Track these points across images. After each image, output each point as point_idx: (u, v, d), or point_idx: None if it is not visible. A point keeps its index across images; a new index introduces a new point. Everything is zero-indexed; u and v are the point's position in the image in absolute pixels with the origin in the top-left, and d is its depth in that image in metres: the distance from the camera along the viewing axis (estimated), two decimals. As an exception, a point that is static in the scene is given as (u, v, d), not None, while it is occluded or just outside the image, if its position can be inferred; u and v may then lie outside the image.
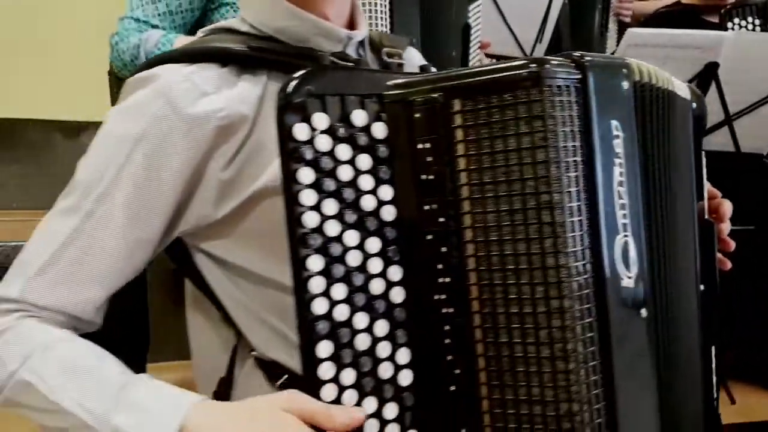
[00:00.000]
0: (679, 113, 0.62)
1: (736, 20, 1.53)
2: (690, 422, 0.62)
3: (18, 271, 0.58)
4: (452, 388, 0.52)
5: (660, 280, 0.57)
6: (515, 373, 0.50)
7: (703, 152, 0.68)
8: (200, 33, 0.65)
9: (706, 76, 1.26)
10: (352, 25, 0.65)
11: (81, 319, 0.59)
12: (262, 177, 0.58)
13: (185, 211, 0.59)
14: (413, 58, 0.74)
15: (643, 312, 0.54)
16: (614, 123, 0.52)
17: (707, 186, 0.70)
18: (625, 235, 0.52)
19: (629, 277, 0.52)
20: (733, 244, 0.69)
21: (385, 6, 1.25)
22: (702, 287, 0.65)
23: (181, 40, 1.27)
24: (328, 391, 0.50)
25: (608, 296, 0.50)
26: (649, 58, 0.64)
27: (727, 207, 0.69)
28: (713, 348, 0.67)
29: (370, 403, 0.51)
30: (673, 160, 0.60)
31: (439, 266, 0.52)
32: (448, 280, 0.51)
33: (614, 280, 0.51)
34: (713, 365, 0.68)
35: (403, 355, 0.53)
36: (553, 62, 0.48)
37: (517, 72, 0.48)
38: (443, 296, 0.52)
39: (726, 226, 0.68)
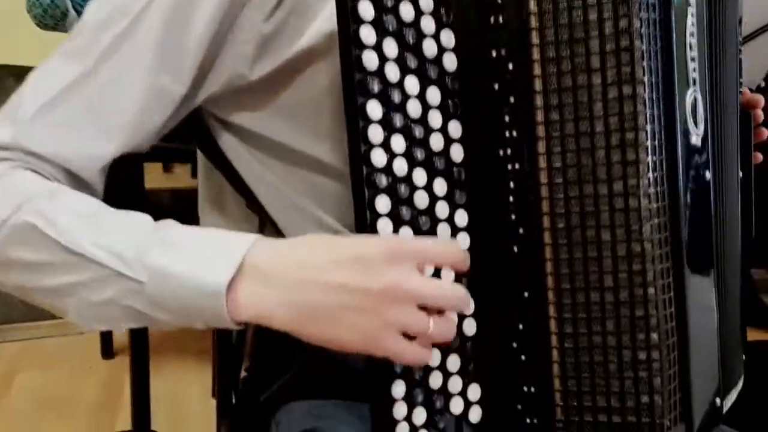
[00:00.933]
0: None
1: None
2: (734, 314, 0.62)
3: (10, 114, 0.49)
4: (515, 249, 0.49)
5: (716, 150, 0.55)
6: (583, 229, 0.48)
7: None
8: None
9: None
10: None
11: (81, 179, 0.50)
12: (305, 36, 0.53)
13: (218, 64, 0.53)
14: None
15: (708, 174, 0.52)
16: (688, -31, 0.49)
17: None
18: (695, 90, 0.50)
19: (697, 135, 0.51)
20: (765, 135, 0.68)
21: None
22: (741, 174, 0.64)
23: None
24: (387, 249, 0.46)
25: (679, 150, 0.48)
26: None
27: (759, 97, 0.68)
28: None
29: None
30: (726, 34, 0.58)
31: (506, 118, 0.48)
32: (515, 133, 0.48)
33: (685, 134, 0.49)
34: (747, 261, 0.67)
35: (461, 218, 0.50)
36: None
37: None
38: (509, 151, 0.49)
39: (759, 114, 0.67)
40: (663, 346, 0.48)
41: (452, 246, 0.45)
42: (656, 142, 0.47)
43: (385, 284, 0.40)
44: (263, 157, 0.59)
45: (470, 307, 0.46)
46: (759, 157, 0.69)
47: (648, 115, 0.46)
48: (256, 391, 0.64)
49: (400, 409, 0.47)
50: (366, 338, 0.41)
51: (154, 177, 2.31)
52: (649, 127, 0.46)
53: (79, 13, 1.11)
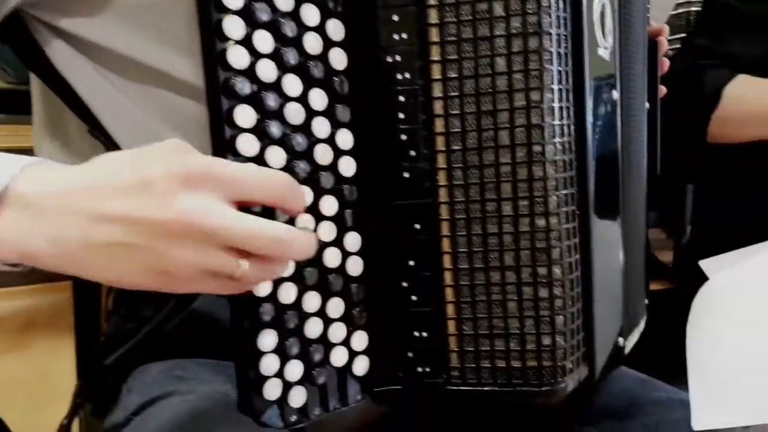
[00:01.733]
0: None
1: None
2: (638, 250, 0.59)
3: None
4: (405, 174, 0.43)
5: (623, 70, 0.51)
6: (481, 151, 0.42)
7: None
8: None
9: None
10: None
11: None
12: None
13: None
14: None
15: (615, 93, 0.48)
16: None
17: None
18: (603, -3, 0.45)
19: (605, 48, 0.46)
20: (667, 65, 0.65)
21: None
22: (648, 105, 0.60)
23: None
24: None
25: (586, 61, 0.43)
26: None
27: (663, 24, 0.65)
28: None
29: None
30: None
31: (395, 17, 0.41)
32: (404, 36, 0.41)
33: (592, 45, 0.44)
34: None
35: (345, 138, 0.42)
36: None
37: None
38: (398, 57, 0.41)
39: (664, 43, 0.64)
40: (566, 281, 0.43)
41: (278, 177, 0.36)
42: (561, 50, 0.41)
43: (173, 216, 0.32)
44: (106, 72, 0.48)
45: (301, 252, 0.36)
46: (663, 90, 0.66)
47: (553, 18, 0.40)
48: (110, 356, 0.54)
49: (269, 364, 0.40)
50: (160, 278, 0.33)
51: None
52: (554, 32, 0.40)
53: None
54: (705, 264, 0.58)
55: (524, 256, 0.43)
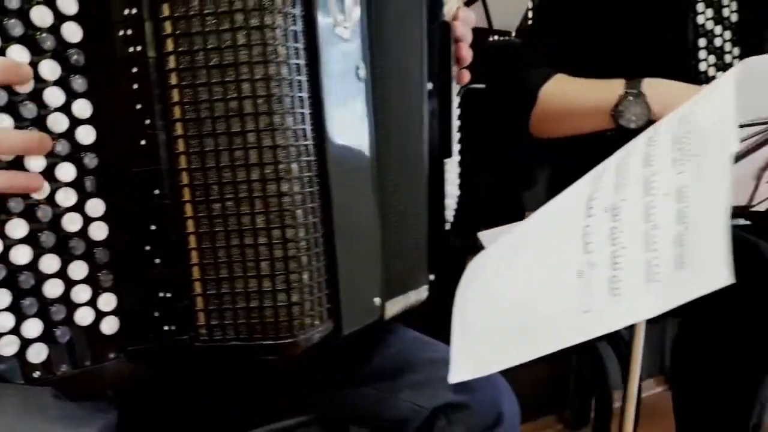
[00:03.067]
0: None
1: None
2: (416, 225, 0.62)
3: None
4: (142, 142, 0.45)
5: (377, 54, 0.53)
6: (214, 118, 0.44)
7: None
8: None
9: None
10: None
11: None
12: None
13: None
14: None
15: (361, 72, 0.51)
16: None
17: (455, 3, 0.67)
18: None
19: (345, 27, 0.49)
20: (465, 50, 0.67)
21: None
22: (430, 85, 0.63)
23: None
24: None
25: (319, 40, 0.46)
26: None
27: (461, 10, 0.67)
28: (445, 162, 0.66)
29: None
30: None
31: (122, -9, 0.43)
32: (134, 11, 0.43)
33: (327, 25, 0.47)
34: (444, 181, 0.67)
35: (82, 108, 0.44)
36: None
37: None
38: (129, 32, 0.43)
39: (458, 26, 0.65)
40: (301, 242, 0.46)
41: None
42: (290, 27, 0.44)
43: None
44: None
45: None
46: (466, 75, 0.68)
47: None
48: None
49: (2, 321, 0.42)
50: None
51: None
52: (282, 8, 0.43)
53: None
54: (482, 235, 0.62)
55: (260, 219, 0.46)
